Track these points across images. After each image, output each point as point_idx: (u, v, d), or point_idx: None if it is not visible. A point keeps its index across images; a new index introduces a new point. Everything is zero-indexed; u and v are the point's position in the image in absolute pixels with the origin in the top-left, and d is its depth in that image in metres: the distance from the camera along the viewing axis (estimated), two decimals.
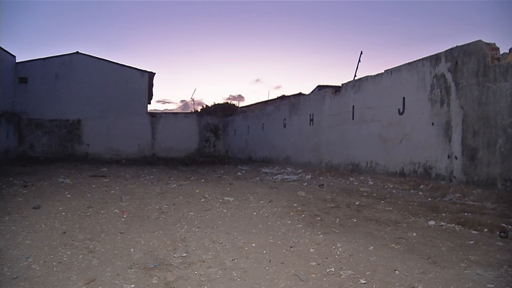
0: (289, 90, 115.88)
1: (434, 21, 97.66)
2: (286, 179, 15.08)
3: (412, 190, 11.14)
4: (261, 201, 9.72)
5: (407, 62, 13.15)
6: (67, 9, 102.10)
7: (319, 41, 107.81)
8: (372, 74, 14.88)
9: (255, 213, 8.31)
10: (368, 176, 13.95)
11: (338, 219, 7.56)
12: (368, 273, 4.53)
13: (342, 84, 16.97)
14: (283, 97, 34.10)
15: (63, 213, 8.13)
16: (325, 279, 4.39)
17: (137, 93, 34.27)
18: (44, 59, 33.46)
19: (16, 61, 32.68)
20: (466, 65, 10.73)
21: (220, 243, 5.91)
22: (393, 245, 5.70)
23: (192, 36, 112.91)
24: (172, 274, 4.59)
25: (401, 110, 13.12)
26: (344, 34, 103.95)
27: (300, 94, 31.51)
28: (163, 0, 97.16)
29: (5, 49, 30.39)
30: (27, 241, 5.95)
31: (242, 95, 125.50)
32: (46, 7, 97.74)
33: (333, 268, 4.67)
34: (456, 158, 10.92)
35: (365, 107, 15.04)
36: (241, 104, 44.85)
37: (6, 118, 29.65)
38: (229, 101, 43.24)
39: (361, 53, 21.93)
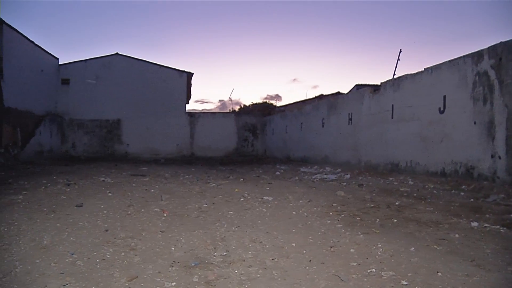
0: (327, 90, 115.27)
1: (474, 18, 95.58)
2: (325, 178, 15.00)
3: (453, 191, 10.91)
4: (300, 201, 9.70)
5: (447, 59, 12.90)
6: (107, 11, 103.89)
7: (357, 40, 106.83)
8: (412, 73, 14.67)
9: (294, 212, 8.31)
10: (407, 176, 13.75)
11: (378, 219, 7.49)
12: (409, 274, 4.48)
13: (381, 83, 16.77)
14: (321, 96, 33.91)
15: (104, 211, 8.30)
16: (366, 279, 4.36)
17: (175, 93, 34.63)
18: (85, 60, 34.31)
19: (59, 63, 33.56)
20: (511, 62, 10.47)
21: (260, 242, 5.93)
22: (435, 246, 5.61)
23: (229, 36, 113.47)
24: (212, 272, 4.63)
25: (441, 109, 12.89)
26: (382, 32, 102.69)
27: (338, 93, 31.27)
28: (201, 0, 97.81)
29: (49, 51, 31.15)
30: (71, 238, 6.10)
31: (280, 94, 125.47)
32: (87, 10, 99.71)
33: (374, 269, 4.64)
34: (499, 157, 10.65)
35: (404, 106, 14.83)
36: (279, 103, 44.62)
37: (49, 119, 30.41)
38: (267, 101, 43.18)
39: (400, 51, 21.73)
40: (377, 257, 5.16)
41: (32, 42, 27.95)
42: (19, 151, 24.47)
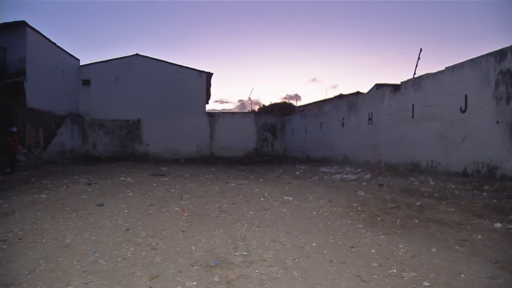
0: (346, 89, 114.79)
1: (496, 17, 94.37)
2: (345, 178, 14.94)
3: (475, 191, 10.78)
4: (321, 201, 9.69)
5: (469, 58, 12.76)
6: (127, 11, 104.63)
7: (376, 39, 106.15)
8: (433, 72, 14.54)
9: (314, 212, 8.30)
10: (428, 176, 13.63)
11: (399, 220, 7.44)
12: (431, 275, 4.44)
13: (401, 83, 16.67)
14: (340, 96, 33.79)
15: (125, 211, 8.39)
16: (387, 280, 4.35)
17: (195, 93, 34.76)
18: (105, 61, 34.70)
19: (80, 64, 33.95)
20: None
21: (281, 242, 5.94)
22: (457, 247, 5.56)
23: (249, 36, 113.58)
24: (233, 272, 4.65)
25: (463, 108, 12.76)
26: (402, 32, 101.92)
27: (358, 93, 31.13)
28: (221, 0, 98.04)
29: (70, 52, 31.48)
30: (93, 237, 6.19)
31: (299, 94, 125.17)
32: (107, 11, 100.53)
33: (395, 270, 4.62)
34: None
35: (425, 105, 14.71)
36: (298, 103, 44.50)
37: (71, 119, 30.76)
38: (286, 101, 43.08)
39: (421, 50, 21.55)
40: (398, 257, 5.14)
41: (54, 43, 28.30)
42: (42, 151, 24.80)
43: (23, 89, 23.24)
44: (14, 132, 18.02)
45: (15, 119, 22.60)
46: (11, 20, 23.65)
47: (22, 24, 23.65)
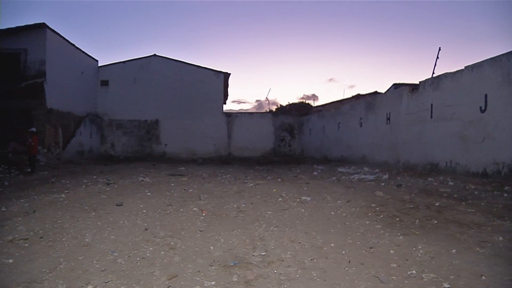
0: (364, 89, 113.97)
1: None
2: (363, 178, 14.88)
3: (495, 192, 10.62)
4: (339, 201, 9.66)
5: (489, 57, 12.61)
6: (144, 12, 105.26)
7: (394, 38, 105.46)
8: (452, 71, 14.40)
9: (333, 213, 8.28)
10: (447, 177, 13.49)
11: (417, 220, 7.39)
12: (451, 277, 4.41)
13: (420, 82, 16.52)
14: (358, 96, 33.61)
15: (144, 211, 8.46)
16: (406, 281, 4.32)
17: (212, 93, 34.84)
18: (123, 62, 34.94)
19: (98, 65, 34.28)
20: None
21: (299, 242, 5.94)
22: (477, 249, 5.49)
23: (266, 36, 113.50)
24: (251, 272, 4.66)
25: (483, 108, 12.61)
26: (420, 31, 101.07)
27: (375, 92, 30.95)
28: (238, 0, 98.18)
29: (89, 53, 31.76)
30: (112, 236, 6.26)
31: (316, 94, 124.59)
32: (125, 12, 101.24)
33: (414, 271, 4.59)
34: None
35: (444, 105, 14.57)
36: (316, 103, 44.43)
37: (89, 119, 31.03)
38: (303, 101, 42.93)
39: (439, 49, 21.34)
40: (417, 258, 5.11)
41: (73, 45, 28.58)
42: (61, 151, 25.05)
43: (43, 90, 23.51)
44: (34, 132, 18.25)
45: (35, 119, 22.89)
46: (32, 23, 23.98)
47: (42, 26, 23.94)
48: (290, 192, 11.18)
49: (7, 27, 23.99)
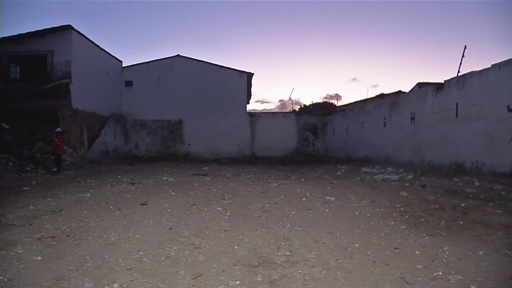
0: (387, 89, 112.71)
1: None
2: (387, 179, 14.76)
3: None
4: (363, 201, 9.61)
5: None
6: (168, 13, 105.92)
7: (418, 37, 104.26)
8: (478, 69, 14.21)
9: (357, 213, 8.24)
10: (473, 177, 13.31)
11: (443, 221, 7.31)
12: (479, 279, 4.35)
13: (445, 81, 16.35)
14: (382, 96, 33.41)
15: (168, 210, 8.53)
16: (432, 283, 4.29)
17: (236, 93, 34.91)
18: (147, 62, 35.25)
19: (123, 65, 34.65)
20: None
21: (323, 242, 5.93)
22: (506, 251, 5.41)
23: (289, 36, 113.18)
24: (276, 272, 4.67)
25: (510, 107, 12.42)
26: (445, 29, 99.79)
27: (399, 92, 30.72)
28: (262, 0, 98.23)
29: (113, 54, 32.09)
30: (137, 235, 6.32)
31: (339, 94, 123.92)
32: (149, 12, 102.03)
33: (440, 272, 4.55)
34: None
35: (469, 104, 14.39)
36: (339, 103, 44.10)
37: (114, 119, 31.35)
38: (327, 100, 42.76)
39: (465, 47, 21.07)
40: (443, 260, 5.06)
41: (98, 46, 28.92)
42: (86, 151, 25.35)
43: (69, 91, 23.85)
44: (60, 132, 18.52)
45: (61, 120, 23.23)
46: (58, 25, 24.41)
47: (68, 28, 24.32)
48: (314, 192, 11.16)
49: (35, 29, 24.53)
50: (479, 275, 4.47)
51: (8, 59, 24.79)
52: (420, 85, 26.92)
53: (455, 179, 13.35)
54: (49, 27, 24.25)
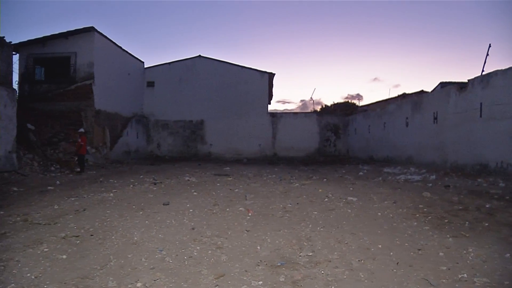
0: (409, 88, 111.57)
1: None
2: (410, 179, 14.64)
3: None
4: (385, 202, 9.55)
5: None
6: (189, 13, 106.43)
7: (440, 36, 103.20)
8: (503, 68, 13.99)
9: (379, 213, 8.19)
10: (498, 177, 13.11)
11: (467, 222, 7.22)
12: (506, 282, 4.29)
13: (468, 80, 16.12)
14: (404, 95, 33.14)
15: (190, 210, 8.58)
16: (457, 285, 4.25)
17: (257, 93, 34.94)
18: (169, 63, 35.54)
19: (145, 66, 34.96)
20: None
21: (346, 243, 5.91)
22: None
23: (310, 36, 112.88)
24: (299, 272, 4.67)
25: None
26: (468, 27, 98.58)
27: (422, 92, 30.46)
28: (281, 0, 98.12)
29: (135, 55, 32.37)
30: (159, 235, 6.38)
31: (360, 94, 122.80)
32: (170, 13, 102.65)
33: (465, 274, 4.50)
34: None
35: (494, 103, 14.18)
36: (360, 103, 43.80)
37: (136, 120, 31.64)
38: (348, 100, 42.52)
39: (490, 46, 20.83)
40: (468, 262, 5.00)
41: (120, 47, 29.22)
42: (108, 151, 25.63)
43: (92, 92, 24.16)
44: (83, 133, 18.76)
45: (84, 120, 23.53)
46: (81, 27, 24.83)
47: (91, 30, 24.67)
48: (336, 193, 11.13)
49: (58, 31, 24.88)
50: (505, 278, 4.41)
51: (33, 61, 25.22)
52: (442, 84, 26.66)
53: (479, 180, 13.17)
54: (73, 29, 24.64)
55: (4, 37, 18.06)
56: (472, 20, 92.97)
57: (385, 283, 4.32)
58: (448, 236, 6.24)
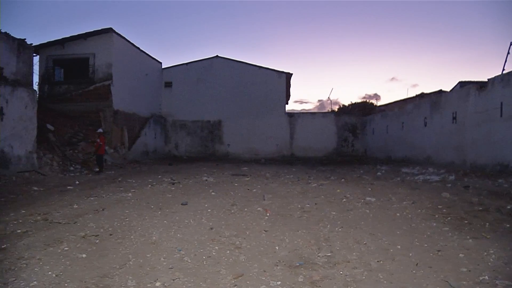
0: (427, 88, 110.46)
1: None
2: (428, 179, 14.52)
3: None
4: (404, 202, 9.49)
5: None
6: (206, 13, 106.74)
7: (459, 35, 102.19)
8: None
9: (398, 214, 8.15)
10: None
11: (488, 224, 7.14)
12: None
13: (488, 79, 15.94)
14: (422, 95, 32.91)
15: (209, 210, 8.61)
16: (478, 287, 4.19)
17: (274, 93, 34.92)
18: (186, 64, 35.69)
19: (162, 67, 35.20)
20: None
21: (364, 243, 5.89)
22: None
23: (327, 36, 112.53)
24: (317, 273, 4.66)
25: None
26: (488, 25, 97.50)
27: (440, 91, 30.21)
28: (300, 1, 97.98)
29: (153, 56, 32.56)
30: (178, 235, 6.41)
31: (378, 94, 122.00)
32: (188, 13, 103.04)
33: (486, 276, 4.44)
34: None
35: None
36: (378, 103, 43.45)
37: (154, 120, 31.82)
38: (366, 100, 42.26)
39: (511, 44, 20.52)
40: (489, 264, 4.94)
41: (138, 48, 29.45)
42: (126, 151, 25.82)
43: (110, 92, 24.39)
44: (102, 133, 18.89)
45: (103, 121, 23.76)
46: (99, 28, 25.13)
47: (109, 31, 24.96)
48: (354, 193, 11.09)
49: (77, 32, 25.22)
50: None
51: (53, 63, 25.60)
52: (462, 84, 26.43)
53: (500, 181, 13.00)
54: (91, 30, 24.97)
55: (25, 39, 18.31)
56: (492, 18, 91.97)
57: (405, 284, 4.30)
58: (468, 237, 6.18)
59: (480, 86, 16.70)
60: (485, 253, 5.33)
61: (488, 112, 15.52)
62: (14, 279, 4.40)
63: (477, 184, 12.72)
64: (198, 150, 35.10)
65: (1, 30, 17.17)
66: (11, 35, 17.74)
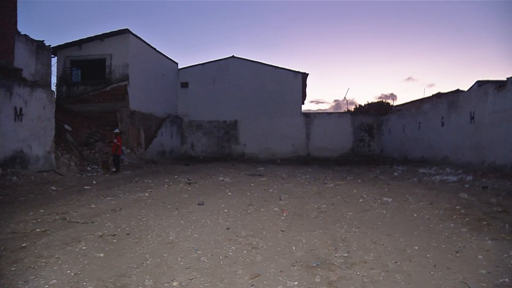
0: (444, 88, 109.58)
1: None
2: (445, 180, 14.40)
3: None
4: (421, 203, 9.42)
5: None
6: (222, 14, 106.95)
7: (476, 34, 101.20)
8: None
9: (415, 214, 8.09)
10: None
11: (507, 225, 7.05)
12: None
13: (507, 78, 15.74)
14: (439, 95, 32.62)
15: (225, 210, 8.62)
16: None
17: (290, 94, 34.89)
18: (202, 64, 35.86)
19: (178, 67, 35.35)
20: None
21: (382, 244, 5.85)
22: None
23: (344, 36, 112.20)
24: (334, 273, 4.64)
25: None
26: (505, 24, 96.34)
27: (457, 90, 29.94)
28: (316, 1, 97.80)
29: (169, 56, 32.71)
30: (195, 235, 6.42)
31: (394, 93, 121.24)
32: (204, 14, 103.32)
33: (507, 279, 4.39)
34: None
35: None
36: (395, 103, 43.13)
37: (170, 121, 31.97)
38: (382, 100, 42.03)
39: None
40: (509, 266, 4.88)
41: (154, 48, 29.65)
42: (143, 151, 25.97)
43: (127, 93, 24.59)
44: (118, 133, 19.01)
45: (120, 121, 23.92)
46: (116, 29, 25.36)
47: (126, 32, 25.18)
48: (371, 193, 11.03)
49: (94, 33, 25.44)
50: None
51: (71, 64, 25.86)
52: (479, 83, 26.19)
53: None
54: (108, 31, 25.22)
55: (43, 41, 18.52)
56: (510, 17, 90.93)
57: (423, 285, 4.26)
58: (487, 238, 6.11)
59: (499, 85, 16.50)
60: (505, 255, 5.27)
61: (507, 112, 15.34)
62: (34, 277, 4.45)
63: (495, 185, 12.59)
64: (214, 150, 35.22)
65: (20, 32, 17.38)
66: (30, 37, 17.96)
